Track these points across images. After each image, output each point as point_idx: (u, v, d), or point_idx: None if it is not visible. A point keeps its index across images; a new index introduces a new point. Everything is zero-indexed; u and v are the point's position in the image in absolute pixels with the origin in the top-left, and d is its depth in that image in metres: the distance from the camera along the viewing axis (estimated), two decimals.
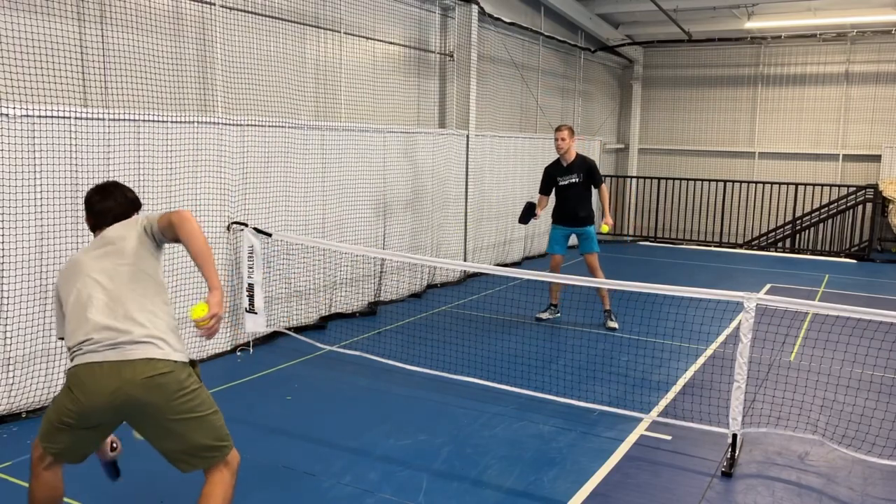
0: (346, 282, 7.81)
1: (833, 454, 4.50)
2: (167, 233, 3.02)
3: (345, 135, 7.62)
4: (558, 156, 7.61)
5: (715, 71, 15.27)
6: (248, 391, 5.50)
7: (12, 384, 4.77)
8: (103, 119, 5.09)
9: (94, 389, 2.73)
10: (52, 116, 4.81)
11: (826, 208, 13.86)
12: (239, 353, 6.36)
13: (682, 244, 14.17)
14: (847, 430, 4.77)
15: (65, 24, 5.19)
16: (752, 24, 13.12)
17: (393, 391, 5.52)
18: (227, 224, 6.27)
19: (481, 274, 9.86)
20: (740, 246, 14.00)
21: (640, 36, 14.64)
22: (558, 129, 7.51)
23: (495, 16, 10.36)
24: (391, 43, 8.77)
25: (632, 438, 4.71)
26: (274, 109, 6.98)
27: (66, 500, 3.16)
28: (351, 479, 4.08)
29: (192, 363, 2.97)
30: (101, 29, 5.46)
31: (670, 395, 5.56)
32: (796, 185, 13.73)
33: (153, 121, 5.47)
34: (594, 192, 7.65)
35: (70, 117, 4.90)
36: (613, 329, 7.39)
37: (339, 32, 7.86)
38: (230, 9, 6.48)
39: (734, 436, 4.33)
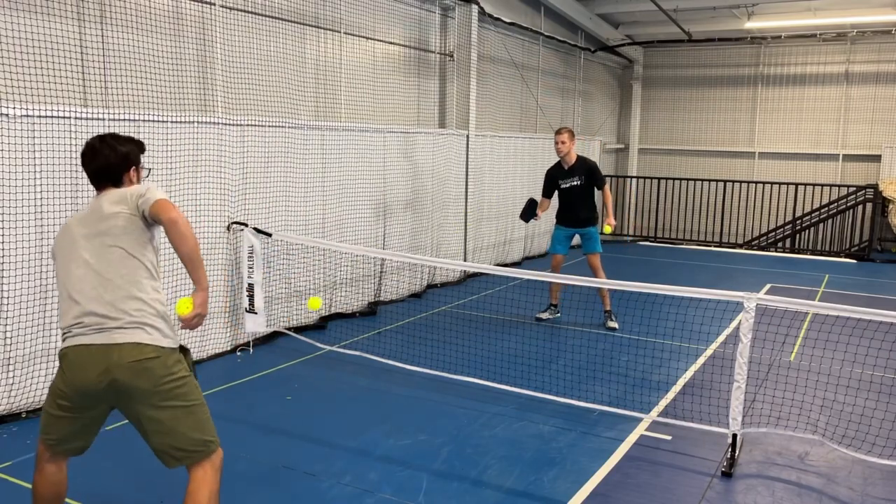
0: (346, 282, 7.81)
1: (833, 454, 4.50)
2: (157, 222, 2.95)
3: (345, 135, 7.62)
4: (559, 158, 7.60)
5: (715, 71, 15.27)
6: (248, 391, 5.50)
7: (12, 384, 4.77)
8: (103, 119, 5.09)
9: (84, 369, 2.78)
10: (52, 116, 4.81)
11: (826, 208, 13.85)
12: (239, 353, 6.36)
13: (682, 244, 14.17)
14: (847, 430, 4.77)
15: (65, 24, 5.19)
16: (752, 24, 13.12)
17: (393, 391, 5.52)
18: (227, 224, 6.27)
19: (481, 274, 9.86)
20: (740, 246, 14.00)
21: (640, 36, 14.63)
22: (558, 133, 7.50)
23: (495, 16, 10.36)
24: (391, 43, 8.77)
25: (632, 438, 4.71)
26: (274, 109, 6.98)
27: (66, 499, 3.16)
28: (351, 479, 4.08)
29: (184, 350, 2.98)
30: (101, 29, 5.46)
31: (670, 395, 5.56)
32: (796, 185, 13.73)
33: (153, 121, 5.47)
34: (597, 192, 7.64)
35: (70, 117, 4.90)
36: (613, 329, 7.39)
37: (339, 32, 7.86)
38: (230, 9, 6.48)
39: (734, 436, 4.33)
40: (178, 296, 5.60)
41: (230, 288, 6.38)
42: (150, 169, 3.34)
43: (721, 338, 7.03)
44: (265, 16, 6.88)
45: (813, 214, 13.95)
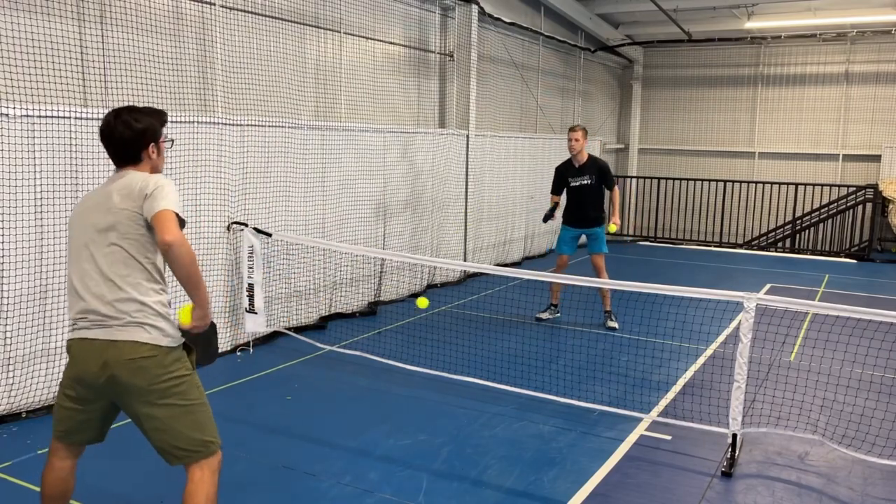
0: (346, 282, 7.81)
1: (833, 454, 4.50)
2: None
3: (345, 135, 7.62)
4: (570, 156, 7.58)
5: (715, 71, 15.26)
6: (248, 391, 5.50)
7: (12, 384, 4.77)
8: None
9: (85, 362, 2.82)
10: (52, 116, 4.81)
11: (826, 208, 13.85)
12: (239, 353, 6.36)
13: (682, 244, 14.18)
14: (847, 429, 4.77)
15: (65, 24, 5.19)
16: (752, 24, 13.12)
17: (393, 391, 5.52)
18: (227, 224, 6.27)
19: (481, 274, 9.86)
20: (740, 246, 14.00)
21: (640, 36, 14.63)
22: (572, 130, 7.45)
23: (495, 16, 10.36)
24: (391, 43, 8.77)
25: (632, 438, 4.71)
26: (274, 109, 6.98)
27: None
28: (351, 479, 4.08)
29: (188, 349, 2.96)
30: (101, 29, 5.46)
31: (670, 395, 5.56)
32: (796, 185, 13.74)
33: (171, 140, 5.44)
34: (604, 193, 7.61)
35: (70, 117, 4.90)
36: (613, 329, 7.39)
37: (339, 32, 7.86)
38: (230, 9, 6.48)
39: (734, 436, 4.33)
40: (182, 296, 5.60)
41: (230, 288, 6.38)
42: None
43: (721, 338, 7.03)
44: (265, 16, 6.88)
45: (813, 214, 13.95)
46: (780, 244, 14.24)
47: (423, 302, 5.49)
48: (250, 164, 6.47)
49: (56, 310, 4.95)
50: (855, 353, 5.53)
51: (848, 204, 13.63)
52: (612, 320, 7.48)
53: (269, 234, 6.35)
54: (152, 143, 2.95)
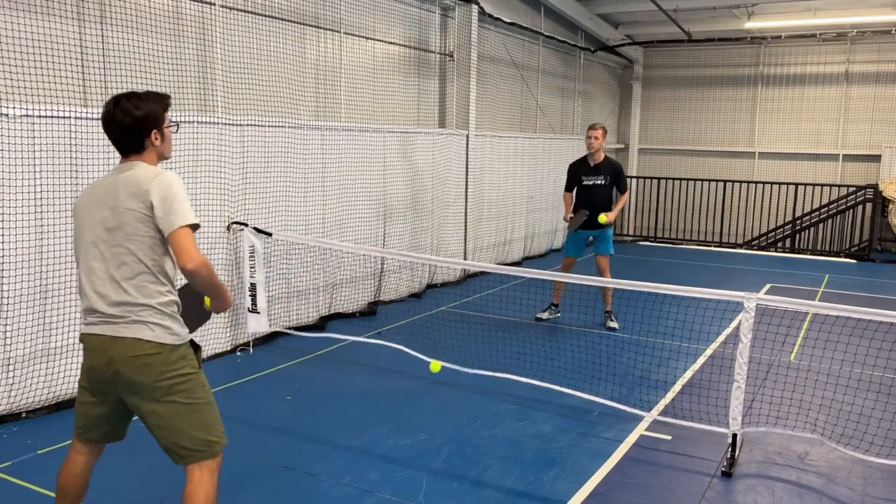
0: (346, 282, 7.81)
1: (833, 454, 4.50)
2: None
3: (345, 135, 7.62)
4: (586, 154, 7.53)
5: (715, 71, 15.26)
6: (248, 391, 5.50)
7: (12, 384, 4.77)
8: None
9: (93, 355, 2.85)
10: (52, 116, 4.81)
11: (826, 208, 13.86)
12: (239, 353, 6.36)
13: (682, 244, 14.18)
14: (847, 429, 4.77)
15: (65, 24, 5.19)
16: (752, 24, 13.12)
17: (393, 391, 5.52)
18: (227, 224, 6.27)
19: (481, 274, 9.86)
20: (740, 246, 14.00)
21: (640, 36, 14.63)
22: (593, 128, 7.41)
23: (495, 16, 10.36)
24: (391, 43, 8.77)
25: (632, 438, 4.71)
26: (274, 109, 6.98)
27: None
28: (351, 479, 4.08)
29: (195, 347, 2.96)
30: (101, 29, 5.46)
31: (670, 394, 5.56)
32: (796, 185, 13.74)
33: (176, 123, 5.45)
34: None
35: (70, 117, 4.90)
36: (613, 329, 7.39)
37: (339, 32, 7.86)
38: (230, 9, 6.47)
39: (734, 436, 4.33)
40: None
41: (230, 288, 6.38)
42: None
43: (721, 338, 7.03)
44: (265, 16, 6.88)
45: (813, 214, 13.95)
46: (780, 244, 14.24)
47: (435, 366, 5.35)
48: (250, 164, 6.47)
49: (56, 310, 4.95)
50: (855, 353, 5.53)
51: (848, 204, 13.63)
52: (612, 320, 7.47)
53: (270, 234, 6.35)
54: (155, 130, 2.87)
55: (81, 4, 5.33)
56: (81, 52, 5.30)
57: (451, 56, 9.76)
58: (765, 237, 14.56)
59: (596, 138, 7.37)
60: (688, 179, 14.63)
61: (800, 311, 7.31)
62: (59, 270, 4.93)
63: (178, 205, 2.75)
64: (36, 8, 5.00)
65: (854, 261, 12.62)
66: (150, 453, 3.00)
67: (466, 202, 9.99)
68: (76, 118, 4.93)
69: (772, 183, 13.97)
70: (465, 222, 10.03)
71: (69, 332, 5.01)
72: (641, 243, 14.35)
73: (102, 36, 5.47)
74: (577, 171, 7.55)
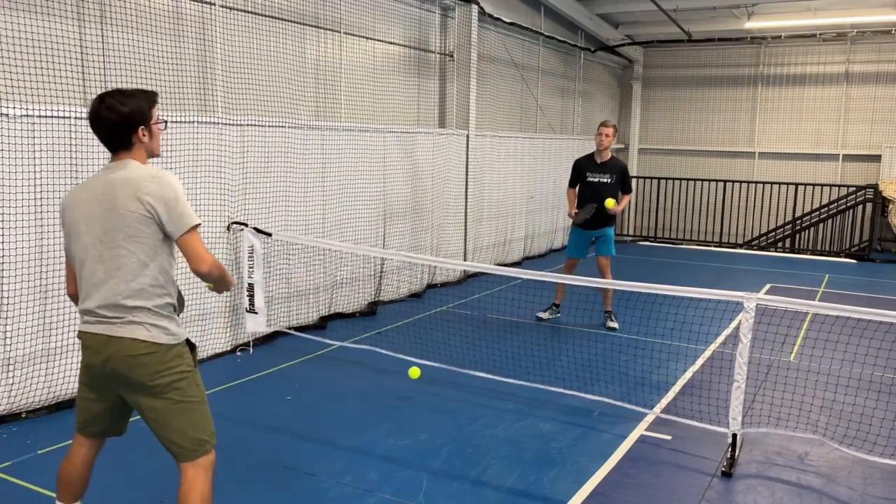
0: (346, 282, 7.81)
1: (833, 454, 4.50)
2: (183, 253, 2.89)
3: (345, 135, 7.62)
4: (592, 151, 7.50)
5: (715, 71, 15.26)
6: (248, 391, 5.50)
7: (12, 384, 4.77)
8: None
9: (92, 352, 2.86)
10: (52, 116, 4.81)
11: (826, 208, 13.86)
12: (239, 353, 6.36)
13: (682, 244, 14.18)
14: (847, 429, 4.77)
15: (65, 24, 5.19)
16: (752, 24, 13.12)
17: (393, 391, 5.52)
18: (227, 224, 6.27)
19: (481, 274, 9.86)
20: (740, 246, 14.00)
21: (640, 36, 14.63)
22: (605, 125, 7.34)
23: (495, 16, 10.36)
24: (391, 43, 8.77)
25: (632, 438, 4.71)
26: (274, 109, 6.98)
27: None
28: (351, 479, 4.08)
29: (191, 346, 2.98)
30: (101, 29, 5.46)
31: (670, 395, 5.56)
32: (796, 185, 13.74)
33: (164, 121, 5.45)
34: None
35: (70, 117, 4.90)
36: (613, 329, 7.39)
37: (339, 32, 7.86)
38: (230, 9, 6.47)
39: (734, 436, 4.33)
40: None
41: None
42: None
43: (721, 338, 7.03)
44: (265, 16, 6.88)
45: (813, 214, 13.95)
46: (780, 244, 14.24)
47: (414, 372, 5.33)
48: (250, 164, 6.47)
49: (56, 310, 4.95)
50: (855, 353, 5.53)
51: (848, 204, 13.63)
52: (612, 320, 7.47)
53: (269, 234, 6.35)
54: (142, 126, 2.86)
55: (81, 4, 5.33)
56: (81, 52, 5.30)
57: (451, 56, 9.76)
58: (765, 237, 14.56)
59: (607, 135, 7.31)
60: (688, 179, 14.63)
61: (800, 311, 7.31)
62: (60, 270, 4.93)
63: (182, 207, 2.80)
64: (36, 8, 5.00)
65: (854, 261, 12.63)
66: (150, 454, 3.00)
67: (466, 202, 9.99)
68: (76, 118, 4.93)
69: (772, 183, 13.97)
70: (465, 222, 10.03)
71: (69, 332, 5.01)
72: (641, 243, 14.36)
73: (102, 36, 5.47)
74: (583, 167, 7.49)
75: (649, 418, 4.95)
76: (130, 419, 3.12)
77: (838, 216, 13.69)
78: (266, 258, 6.49)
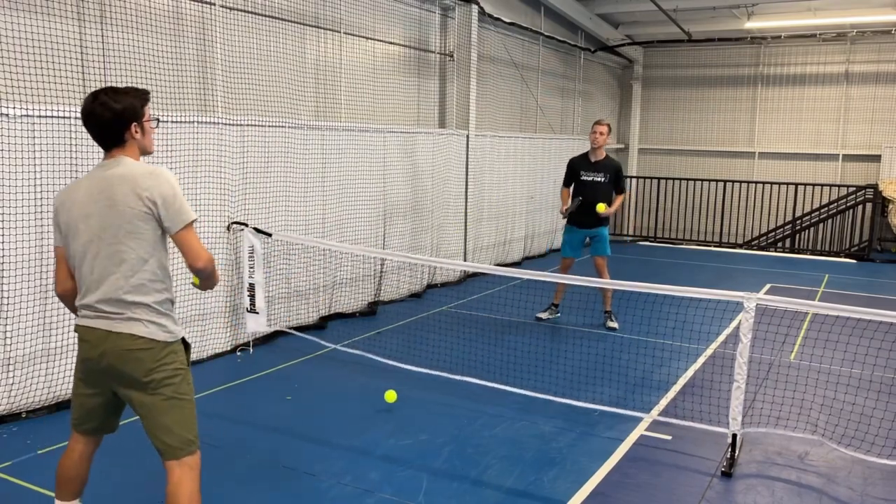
0: (346, 282, 7.81)
1: (833, 454, 4.50)
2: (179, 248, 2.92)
3: (345, 135, 7.62)
4: (587, 151, 7.51)
5: (715, 71, 15.26)
6: (248, 391, 5.50)
7: (12, 384, 4.77)
8: None
9: (89, 346, 2.88)
10: (52, 116, 4.81)
11: (826, 208, 13.86)
12: (239, 353, 6.36)
13: (682, 244, 14.18)
14: (847, 429, 4.77)
15: (65, 24, 5.19)
16: (752, 24, 13.12)
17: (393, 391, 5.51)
18: (227, 224, 6.27)
19: (481, 274, 9.86)
20: (740, 246, 14.00)
21: (640, 36, 14.63)
22: (598, 123, 7.36)
23: (495, 16, 10.36)
24: (391, 43, 8.77)
25: (632, 438, 4.71)
26: (274, 109, 6.98)
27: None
28: (351, 479, 4.08)
29: (186, 345, 3.00)
30: (101, 29, 5.46)
31: (670, 394, 5.56)
32: (796, 185, 13.74)
33: (157, 119, 5.45)
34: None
35: (70, 117, 4.90)
36: (613, 329, 7.39)
37: (339, 32, 7.86)
38: (230, 9, 6.47)
39: (734, 436, 4.33)
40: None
41: (230, 288, 6.38)
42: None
43: (721, 338, 7.03)
44: (265, 16, 6.88)
45: (813, 214, 13.95)
46: (780, 244, 14.24)
47: (390, 396, 5.16)
48: (250, 164, 6.47)
49: (56, 310, 4.95)
50: (855, 353, 5.53)
51: (848, 204, 13.63)
52: (612, 320, 7.47)
53: (269, 234, 6.35)
54: (134, 123, 2.88)
55: (81, 4, 5.33)
56: (81, 52, 5.30)
57: (451, 56, 9.76)
58: (765, 237, 14.56)
59: (601, 133, 7.32)
60: (688, 179, 14.63)
61: (800, 311, 7.31)
62: None
63: (180, 202, 2.83)
64: (36, 8, 5.00)
65: (854, 261, 12.63)
66: (151, 454, 3.00)
67: (466, 202, 9.99)
68: (76, 118, 4.93)
69: (772, 183, 13.97)
70: (465, 222, 10.03)
71: (69, 332, 5.01)
72: (641, 243, 14.35)
73: (102, 36, 5.47)
74: (577, 166, 7.50)
75: (649, 418, 4.95)
76: (130, 420, 3.12)
77: (838, 216, 13.69)
78: (266, 258, 6.49)
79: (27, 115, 4.68)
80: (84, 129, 2.90)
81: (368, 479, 4.08)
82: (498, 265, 10.62)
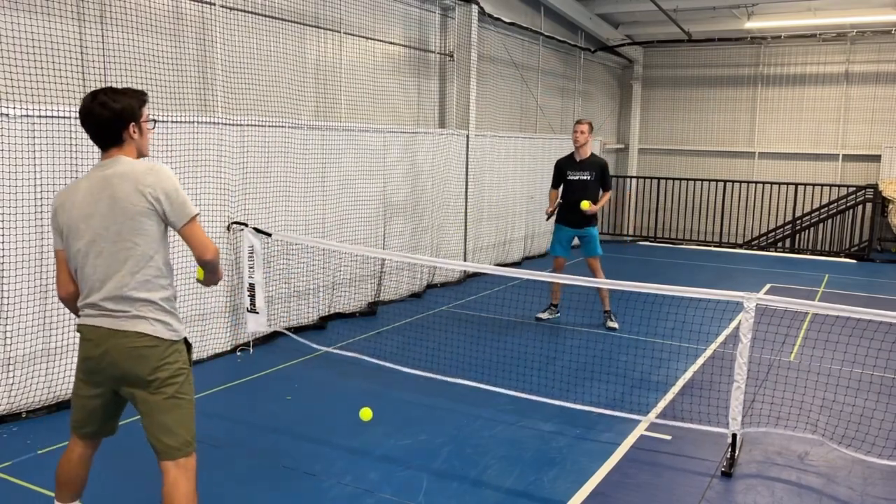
0: (346, 282, 7.81)
1: (833, 454, 4.50)
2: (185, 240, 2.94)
3: (345, 135, 7.62)
4: (573, 150, 7.54)
5: (715, 71, 15.27)
6: (248, 391, 5.50)
7: (12, 384, 4.77)
8: None
9: (92, 344, 2.87)
10: (52, 116, 4.81)
11: (826, 208, 13.86)
12: (239, 353, 6.36)
13: (682, 244, 14.18)
14: (847, 430, 4.77)
15: (65, 24, 5.19)
16: (752, 24, 13.12)
17: (393, 391, 5.52)
18: (227, 224, 6.27)
19: (481, 274, 9.86)
20: (740, 246, 14.00)
21: (640, 36, 14.64)
22: (579, 122, 7.44)
23: (495, 16, 10.36)
24: (391, 43, 8.77)
25: (632, 438, 4.71)
26: (274, 109, 6.98)
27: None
28: (351, 479, 4.08)
29: (188, 345, 3.00)
30: (101, 29, 5.46)
31: (670, 395, 5.56)
32: (796, 185, 13.74)
33: (153, 121, 5.45)
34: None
35: (70, 117, 4.90)
36: (613, 329, 7.39)
37: (339, 32, 7.86)
38: (230, 9, 6.48)
39: (734, 436, 4.33)
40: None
41: (230, 288, 6.38)
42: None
43: (721, 338, 7.03)
44: (265, 16, 6.88)
45: (813, 214, 13.96)
46: (780, 244, 14.24)
47: (366, 414, 4.72)
48: (250, 164, 6.47)
49: (56, 310, 4.95)
50: (855, 353, 5.53)
51: (848, 204, 13.63)
52: (611, 320, 7.47)
53: (269, 234, 6.35)
54: (132, 123, 2.89)
55: (81, 4, 5.33)
56: (81, 52, 5.30)
57: (451, 56, 9.76)
58: (765, 237, 14.56)
59: (582, 132, 7.39)
60: (688, 179, 14.63)
61: (800, 311, 7.31)
62: None
63: (182, 197, 2.86)
64: (36, 8, 5.00)
65: (854, 261, 12.62)
66: (150, 454, 3.00)
67: (466, 202, 9.99)
68: (76, 118, 4.92)
69: (772, 183, 13.97)
70: (465, 222, 10.03)
71: (69, 332, 5.01)
72: (641, 243, 14.35)
73: (102, 36, 5.47)
74: (563, 166, 7.56)
75: (649, 418, 4.95)
76: (129, 420, 3.12)
77: (838, 216, 13.69)
78: (266, 258, 6.49)
79: (27, 115, 4.68)
80: (80, 130, 2.91)
81: (368, 479, 4.08)
82: (498, 265, 10.62)
